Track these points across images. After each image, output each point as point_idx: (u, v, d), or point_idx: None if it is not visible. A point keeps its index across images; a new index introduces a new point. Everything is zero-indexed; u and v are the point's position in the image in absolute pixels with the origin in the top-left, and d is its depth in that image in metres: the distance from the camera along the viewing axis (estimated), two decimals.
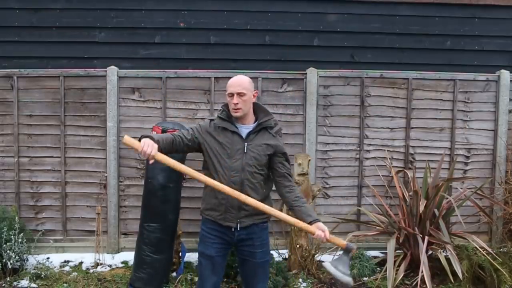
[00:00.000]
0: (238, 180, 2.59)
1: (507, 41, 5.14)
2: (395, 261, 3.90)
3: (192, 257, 4.54)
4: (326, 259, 4.47)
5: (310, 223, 2.53)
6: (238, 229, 2.66)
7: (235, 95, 2.60)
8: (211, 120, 2.70)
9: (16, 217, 4.20)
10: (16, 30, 4.83)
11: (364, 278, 4.16)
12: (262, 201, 2.60)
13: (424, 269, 3.70)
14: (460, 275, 3.70)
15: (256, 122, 2.72)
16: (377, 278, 4.04)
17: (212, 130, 2.67)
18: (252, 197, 2.55)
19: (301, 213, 2.59)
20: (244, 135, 2.66)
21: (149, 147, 2.37)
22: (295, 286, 4.00)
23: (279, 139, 2.74)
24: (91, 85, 4.65)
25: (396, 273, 3.85)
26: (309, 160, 4.28)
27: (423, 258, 3.75)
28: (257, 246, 2.73)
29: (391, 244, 3.95)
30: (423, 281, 3.75)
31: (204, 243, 2.70)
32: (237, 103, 2.60)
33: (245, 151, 2.61)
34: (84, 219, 4.67)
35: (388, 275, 3.77)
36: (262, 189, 2.68)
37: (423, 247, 3.82)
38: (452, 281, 3.76)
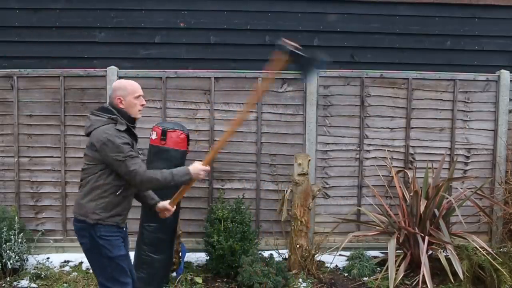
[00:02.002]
0: None
1: (507, 41, 5.14)
2: (395, 261, 3.90)
3: (192, 257, 4.55)
4: (326, 258, 4.50)
5: (153, 205, 2.89)
6: (124, 228, 2.77)
7: (142, 97, 2.75)
8: (118, 130, 2.60)
9: (16, 217, 4.20)
10: (16, 30, 4.84)
11: (364, 278, 4.16)
12: None
13: (425, 269, 3.70)
14: (460, 275, 3.70)
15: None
16: (377, 278, 4.04)
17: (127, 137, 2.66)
18: None
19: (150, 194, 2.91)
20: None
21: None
22: (295, 286, 4.00)
23: None
24: (91, 85, 4.65)
25: (396, 273, 3.85)
26: (309, 160, 4.28)
27: (424, 258, 3.75)
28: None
29: (392, 244, 3.95)
30: (423, 281, 3.75)
31: (117, 246, 2.66)
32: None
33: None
34: None
35: (389, 274, 3.77)
36: None
37: (423, 247, 3.82)
38: (453, 281, 3.76)
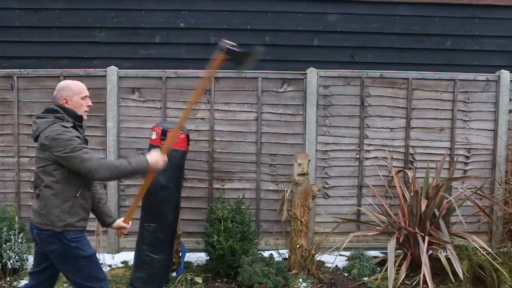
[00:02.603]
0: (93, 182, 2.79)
1: (507, 41, 5.14)
2: (395, 261, 3.90)
3: (192, 257, 4.55)
4: (326, 258, 4.49)
5: (110, 224, 2.93)
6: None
7: (88, 98, 2.74)
8: (65, 126, 2.58)
9: (16, 217, 4.19)
10: (16, 30, 4.84)
11: (364, 278, 4.15)
12: None
13: (425, 269, 3.69)
14: (460, 275, 3.69)
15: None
16: (377, 278, 4.04)
17: None
18: None
19: (108, 210, 2.96)
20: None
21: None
22: (295, 286, 4.00)
23: None
24: (91, 85, 4.57)
25: (397, 273, 3.85)
26: (309, 160, 4.28)
27: (424, 258, 3.75)
28: None
29: (392, 244, 3.95)
30: (424, 281, 3.75)
31: (88, 245, 2.69)
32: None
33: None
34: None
35: (389, 274, 3.77)
36: None
37: (423, 247, 3.81)
38: (453, 281, 3.76)
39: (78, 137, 2.57)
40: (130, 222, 2.95)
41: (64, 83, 2.73)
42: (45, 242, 2.59)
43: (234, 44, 2.73)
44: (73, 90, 2.68)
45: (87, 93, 2.74)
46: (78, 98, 2.67)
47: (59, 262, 2.64)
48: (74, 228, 2.60)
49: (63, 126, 2.55)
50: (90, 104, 2.75)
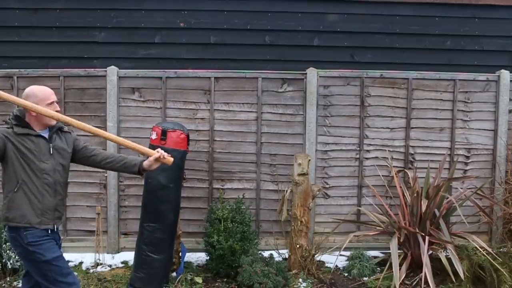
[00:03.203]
0: (51, 181, 2.67)
1: (507, 41, 5.14)
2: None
3: (192, 257, 4.55)
4: (326, 258, 4.49)
5: (139, 169, 2.81)
6: (51, 231, 2.70)
7: (55, 103, 2.70)
8: (8, 128, 2.62)
9: None
10: (16, 30, 4.84)
11: (364, 278, 4.15)
12: (64, 198, 2.80)
13: (427, 270, 3.69)
14: (461, 275, 3.69)
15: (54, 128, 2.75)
16: (378, 278, 4.04)
17: (14, 137, 2.63)
18: (62, 194, 2.76)
19: (130, 160, 2.86)
20: (47, 138, 2.69)
21: None
22: (295, 286, 4.00)
23: (72, 133, 2.88)
24: (91, 85, 4.65)
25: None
26: (309, 160, 4.28)
27: (425, 259, 3.74)
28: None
29: (394, 244, 3.94)
30: (425, 281, 3.75)
31: (49, 249, 2.63)
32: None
33: (51, 153, 2.68)
34: (84, 219, 4.67)
35: (394, 273, 3.75)
36: (67, 186, 2.84)
37: (424, 247, 3.81)
38: (454, 281, 3.76)
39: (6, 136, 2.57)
40: (157, 151, 2.77)
41: (30, 89, 2.68)
42: (11, 243, 2.65)
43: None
44: (38, 96, 2.63)
45: (53, 98, 2.69)
46: (43, 105, 2.62)
47: (25, 264, 2.69)
48: (14, 224, 2.59)
49: (6, 127, 2.62)
50: (58, 109, 2.69)
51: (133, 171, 2.86)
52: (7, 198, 2.62)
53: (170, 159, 2.78)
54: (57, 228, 2.76)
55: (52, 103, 2.68)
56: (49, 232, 2.67)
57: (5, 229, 2.61)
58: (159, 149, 2.78)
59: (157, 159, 2.76)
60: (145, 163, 2.79)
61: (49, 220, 2.67)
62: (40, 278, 2.63)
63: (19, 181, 2.60)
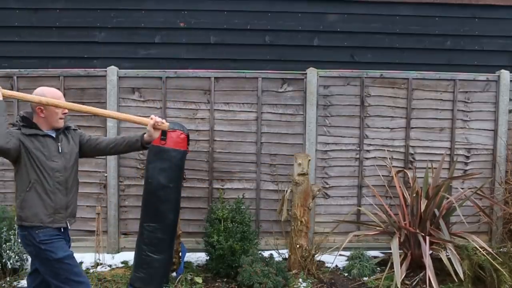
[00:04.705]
0: (63, 179, 2.71)
1: (507, 41, 5.15)
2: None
3: (192, 257, 4.55)
4: (326, 258, 4.50)
5: (142, 142, 2.84)
6: (64, 229, 2.75)
7: None
8: (16, 129, 2.66)
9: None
10: (16, 30, 4.84)
11: (364, 278, 4.15)
12: (76, 195, 2.84)
13: (429, 270, 3.69)
14: (461, 275, 3.69)
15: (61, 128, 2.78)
16: (378, 278, 4.04)
17: (24, 138, 2.65)
18: (74, 192, 2.81)
19: (132, 138, 2.90)
20: (54, 137, 2.73)
21: None
22: (295, 286, 4.00)
23: (77, 130, 2.93)
24: (91, 85, 4.65)
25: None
26: (309, 160, 4.28)
27: (427, 259, 3.74)
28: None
29: (395, 243, 3.93)
30: (423, 281, 3.75)
31: (60, 248, 2.66)
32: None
33: (60, 151, 2.71)
34: (84, 219, 4.67)
35: (395, 273, 3.75)
36: (78, 184, 2.89)
37: (425, 247, 3.81)
38: (456, 280, 3.75)
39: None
40: (151, 118, 2.78)
41: (40, 90, 2.71)
42: (22, 242, 2.67)
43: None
44: (47, 97, 2.65)
45: (62, 101, 2.72)
46: (53, 107, 2.66)
47: (36, 263, 2.69)
48: (27, 223, 2.61)
49: (16, 128, 2.67)
50: (66, 112, 2.73)
51: (137, 147, 2.90)
52: (19, 198, 2.65)
53: (166, 124, 2.81)
54: (69, 227, 2.78)
55: None
56: (62, 230, 2.72)
57: (17, 229, 2.64)
58: (152, 116, 2.79)
59: (154, 127, 2.77)
60: (146, 136, 2.81)
61: (61, 218, 2.71)
62: (51, 277, 2.64)
63: (31, 180, 2.63)
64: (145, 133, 2.83)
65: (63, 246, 2.69)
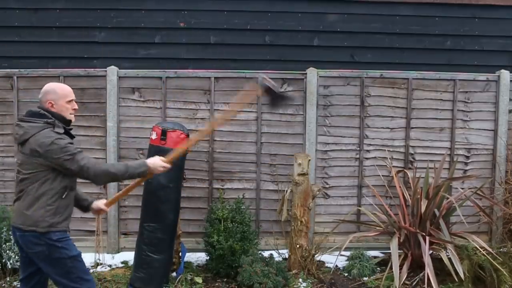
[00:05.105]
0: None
1: (507, 41, 5.15)
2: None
3: (192, 257, 4.55)
4: (326, 258, 4.49)
5: (88, 205, 2.88)
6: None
7: (74, 101, 2.72)
8: (58, 133, 2.58)
9: None
10: (16, 30, 4.84)
11: (364, 278, 4.15)
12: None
13: (429, 270, 3.69)
14: (461, 275, 3.69)
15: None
16: (378, 278, 4.04)
17: None
18: None
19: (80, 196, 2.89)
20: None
21: None
22: (295, 286, 4.00)
23: None
24: (91, 85, 4.65)
25: (399, 273, 3.84)
26: (309, 160, 4.28)
27: (427, 259, 3.74)
28: None
29: (394, 244, 3.94)
30: (423, 280, 3.75)
31: (73, 246, 2.67)
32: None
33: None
34: (84, 219, 4.65)
35: (394, 273, 3.75)
36: None
37: (425, 247, 3.81)
38: (456, 280, 3.75)
39: (72, 143, 2.58)
40: (109, 209, 2.91)
41: (50, 86, 2.69)
42: (29, 244, 2.56)
43: (275, 84, 2.83)
44: (58, 93, 2.64)
45: (73, 96, 2.71)
46: (63, 102, 2.64)
47: (45, 264, 2.60)
48: (56, 228, 2.57)
49: (56, 132, 2.54)
50: (76, 107, 2.72)
51: (82, 205, 2.92)
52: (51, 206, 2.55)
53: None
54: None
55: (71, 101, 2.69)
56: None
57: (25, 232, 2.55)
58: (103, 208, 2.88)
59: (95, 211, 2.89)
60: (93, 205, 2.88)
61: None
62: (61, 276, 2.60)
63: (68, 186, 2.61)
64: (92, 201, 2.91)
65: (74, 244, 2.68)
